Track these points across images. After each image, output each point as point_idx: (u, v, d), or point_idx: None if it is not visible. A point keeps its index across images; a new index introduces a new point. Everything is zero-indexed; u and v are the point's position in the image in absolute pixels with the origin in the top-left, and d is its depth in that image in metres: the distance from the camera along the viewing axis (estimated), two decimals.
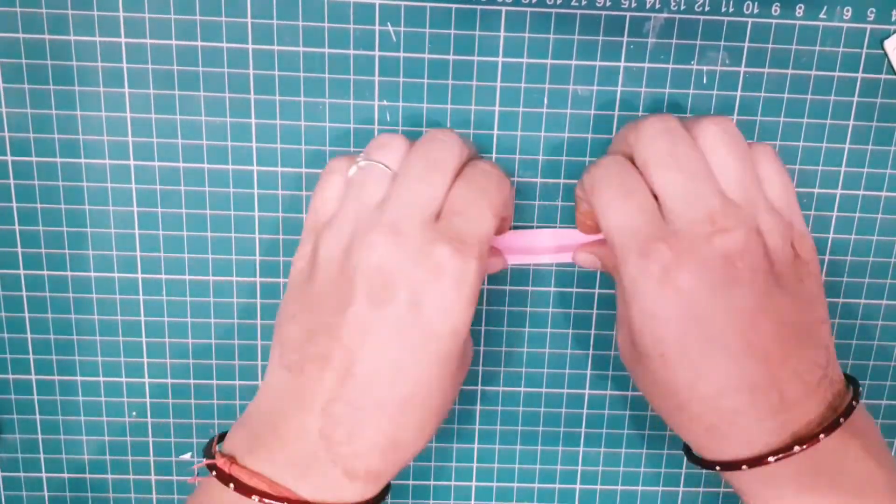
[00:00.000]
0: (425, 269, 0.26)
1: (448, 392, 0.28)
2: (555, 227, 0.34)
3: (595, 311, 0.35)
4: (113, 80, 0.32)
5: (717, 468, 0.28)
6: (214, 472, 0.27)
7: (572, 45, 0.32)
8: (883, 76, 0.32)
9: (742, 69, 0.32)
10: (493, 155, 0.33)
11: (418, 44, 0.32)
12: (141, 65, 0.32)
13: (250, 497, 0.26)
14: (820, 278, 0.29)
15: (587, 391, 0.36)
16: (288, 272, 0.34)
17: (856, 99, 0.33)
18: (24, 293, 0.34)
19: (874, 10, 0.32)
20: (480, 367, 0.36)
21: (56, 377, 0.35)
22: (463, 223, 0.27)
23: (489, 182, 0.28)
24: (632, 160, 0.29)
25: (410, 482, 0.37)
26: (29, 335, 0.35)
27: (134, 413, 0.36)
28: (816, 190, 0.34)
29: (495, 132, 0.33)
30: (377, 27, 0.32)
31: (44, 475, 0.37)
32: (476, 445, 0.37)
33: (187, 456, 0.36)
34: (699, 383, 0.27)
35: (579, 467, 0.37)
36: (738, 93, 0.33)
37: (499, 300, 0.35)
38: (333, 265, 0.27)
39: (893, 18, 0.32)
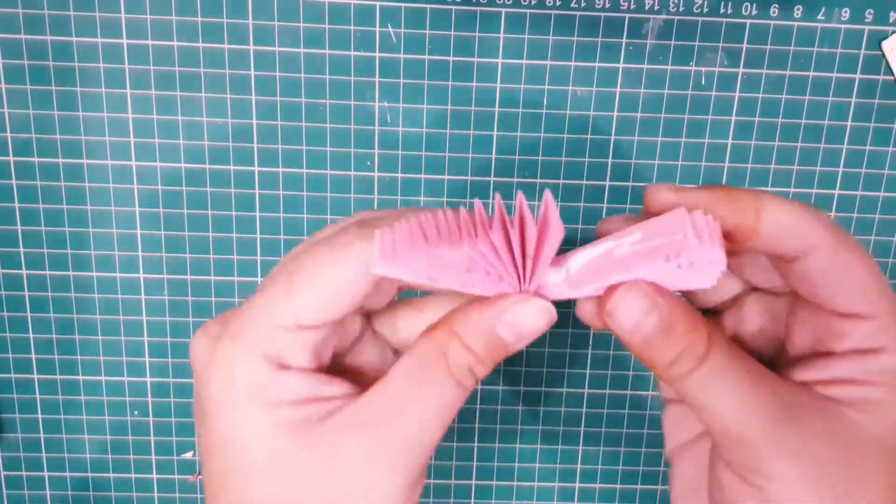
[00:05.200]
0: None
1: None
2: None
3: None
4: (115, 81, 0.32)
5: None
6: None
7: (571, 47, 0.32)
8: (881, 77, 0.33)
9: (740, 70, 0.32)
10: (493, 155, 0.33)
11: (418, 45, 0.32)
12: (142, 66, 0.32)
13: None
14: None
15: (586, 390, 0.36)
16: None
17: (854, 100, 0.33)
18: (26, 293, 0.34)
19: (872, 11, 0.32)
20: None
21: (58, 376, 0.35)
22: None
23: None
24: None
25: None
26: (31, 335, 0.35)
27: (136, 412, 0.36)
28: (814, 190, 0.34)
29: (495, 133, 0.33)
30: (378, 28, 0.32)
31: (46, 474, 0.37)
32: (476, 444, 0.37)
33: (189, 455, 0.37)
34: None
35: (578, 466, 0.37)
36: (737, 94, 0.33)
37: None
38: None
39: (891, 20, 0.32)
